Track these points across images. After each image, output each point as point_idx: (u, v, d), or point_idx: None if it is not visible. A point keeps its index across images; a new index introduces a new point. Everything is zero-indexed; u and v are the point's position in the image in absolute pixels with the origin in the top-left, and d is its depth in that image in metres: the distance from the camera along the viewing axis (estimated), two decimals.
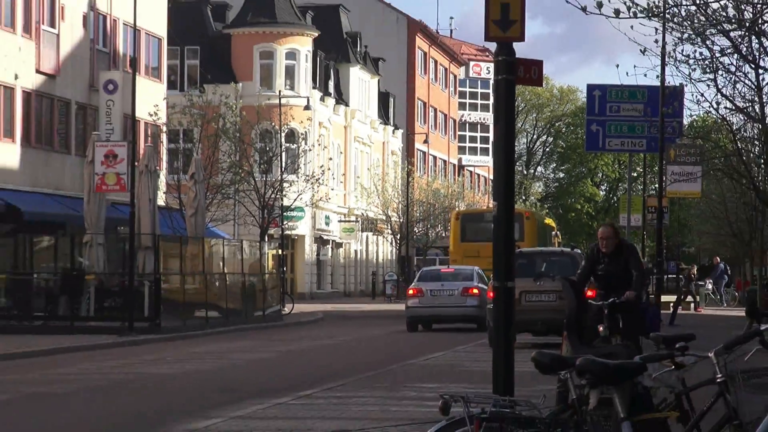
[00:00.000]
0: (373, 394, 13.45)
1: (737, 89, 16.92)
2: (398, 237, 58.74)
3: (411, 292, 32.35)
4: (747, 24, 10.96)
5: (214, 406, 12.88)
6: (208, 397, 14.32)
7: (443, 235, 61.04)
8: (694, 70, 16.94)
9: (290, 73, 51.43)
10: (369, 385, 14.86)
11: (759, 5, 10.31)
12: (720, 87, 16.85)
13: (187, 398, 14.51)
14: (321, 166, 48.46)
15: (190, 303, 30.85)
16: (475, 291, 31.35)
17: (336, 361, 21.55)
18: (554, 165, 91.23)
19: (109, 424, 11.52)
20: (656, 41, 17.68)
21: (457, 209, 53.14)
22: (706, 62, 14.82)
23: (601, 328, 10.83)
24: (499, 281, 6.58)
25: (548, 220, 49.40)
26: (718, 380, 5.34)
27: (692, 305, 37.59)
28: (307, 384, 15.58)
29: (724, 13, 11.11)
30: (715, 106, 18.67)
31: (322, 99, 52.60)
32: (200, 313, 31.16)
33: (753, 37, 11.93)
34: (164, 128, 40.36)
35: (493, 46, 6.94)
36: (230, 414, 12.18)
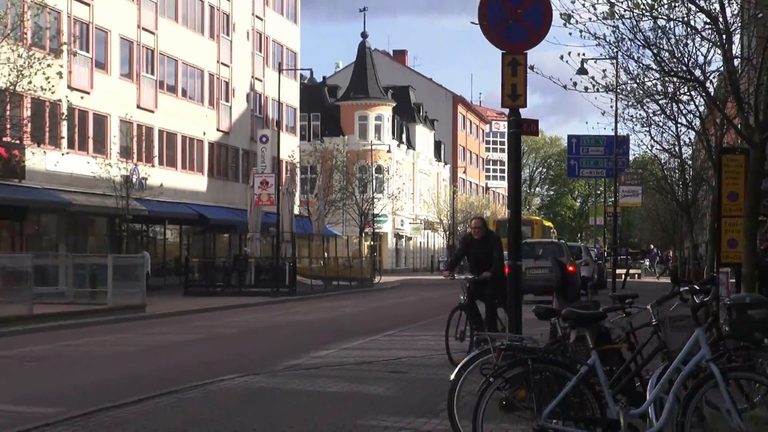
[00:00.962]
0: (431, 333, 12.96)
1: (664, 137, 16.57)
2: (447, 233, 61.55)
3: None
4: (670, 95, 10.70)
5: (330, 341, 13.32)
6: (327, 335, 14.76)
7: None
8: (636, 125, 17.39)
9: (378, 129, 54.25)
10: (429, 328, 14.47)
11: (677, 83, 10.05)
12: (653, 136, 18.05)
13: (315, 335, 15.02)
14: (398, 188, 51.79)
15: (314, 276, 32.47)
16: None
17: (408, 312, 21.15)
18: (547, 186, 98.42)
19: (269, 351, 12.22)
20: (611, 107, 19.43)
21: (488, 216, 54.58)
22: (644, 120, 14.65)
23: (462, 298, 9.54)
24: (512, 260, 6.51)
25: (547, 223, 50.25)
26: (653, 323, 5.08)
27: (636, 276, 39.41)
28: (390, 327, 15.58)
29: (655, 89, 10.76)
30: (649, 148, 19.95)
31: (398, 146, 57.52)
32: (320, 283, 32.37)
33: (674, 103, 11.56)
34: (298, 165, 44.24)
35: (506, 111, 6.94)
36: (340, 346, 12.51)
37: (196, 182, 34.89)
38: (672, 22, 8.87)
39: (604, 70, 11.24)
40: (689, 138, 17.65)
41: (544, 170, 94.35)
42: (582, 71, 12.96)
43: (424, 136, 63.27)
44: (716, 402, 4.49)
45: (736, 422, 4.32)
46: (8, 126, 19.45)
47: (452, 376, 5.14)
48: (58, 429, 5.79)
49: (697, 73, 9.44)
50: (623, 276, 30.25)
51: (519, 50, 6.22)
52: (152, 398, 7.03)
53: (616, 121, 20.77)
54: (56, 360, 11.66)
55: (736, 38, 9.71)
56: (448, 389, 5.10)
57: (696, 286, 4.92)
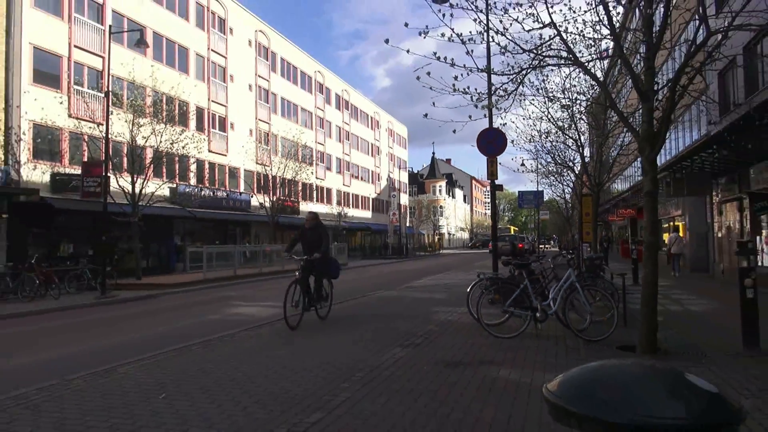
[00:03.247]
0: (460, 272, 24.92)
1: (556, 190, 28.43)
2: (471, 233, 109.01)
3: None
4: (558, 172, 21.18)
5: (418, 277, 19.03)
6: (416, 274, 21.76)
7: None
8: (545, 186, 26.06)
9: (440, 191, 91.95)
10: (456, 269, 27.48)
11: (562, 168, 19.73)
12: (553, 190, 28.99)
13: (412, 275, 18.92)
14: (447, 216, 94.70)
15: (423, 249, 70.74)
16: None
17: (450, 263, 34.08)
18: (509, 212, 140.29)
19: (395, 281, 12.15)
20: (533, 179, 28.23)
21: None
22: (548, 183, 26.12)
23: (297, 274, 10.08)
24: (493, 242, 12.02)
25: (513, 228, 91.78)
26: (551, 267, 9.46)
27: (546, 248, 56.02)
28: (444, 270, 23.24)
29: (553, 169, 20.95)
30: (553, 194, 31.38)
31: (447, 197, 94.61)
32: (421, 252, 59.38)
33: (560, 176, 21.84)
34: (407, 206, 73.69)
35: (488, 181, 16.07)
36: (424, 278, 18.85)
37: (366, 213, 61.27)
38: (559, 143, 16.53)
39: (529, 161, 20.99)
40: (569, 190, 26.80)
41: (508, 204, 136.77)
42: (522, 165, 20.77)
43: (459, 192, 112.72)
44: (579, 299, 8.34)
45: (587, 307, 8.14)
46: (288, 192, 38.84)
47: (468, 290, 9.07)
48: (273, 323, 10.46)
49: (570, 164, 18.14)
50: (541, 249, 47.26)
51: (493, 156, 11.10)
52: (344, 302, 11.37)
53: (538, 184, 34.21)
54: (249, 296, 17.08)
55: (587, 150, 18.56)
56: (466, 295, 9.14)
57: (570, 251, 8.75)
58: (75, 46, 25.05)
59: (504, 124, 18.91)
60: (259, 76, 40.81)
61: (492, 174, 11.41)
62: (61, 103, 23.80)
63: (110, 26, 21.44)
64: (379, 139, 67.26)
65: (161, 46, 30.83)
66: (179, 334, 9.96)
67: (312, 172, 45.00)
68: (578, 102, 13.56)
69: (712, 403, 1.80)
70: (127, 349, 8.70)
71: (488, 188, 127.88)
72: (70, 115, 24.20)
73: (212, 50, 35.33)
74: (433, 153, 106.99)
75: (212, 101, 34.97)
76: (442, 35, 8.22)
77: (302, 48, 52.30)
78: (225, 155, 35.86)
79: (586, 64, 8.63)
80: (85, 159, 24.15)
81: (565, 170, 20.43)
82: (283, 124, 43.50)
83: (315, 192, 49.11)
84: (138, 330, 11.05)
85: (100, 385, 6.10)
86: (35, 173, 22.80)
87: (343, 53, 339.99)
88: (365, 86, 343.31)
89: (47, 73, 23.82)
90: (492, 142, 11.16)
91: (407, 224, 64.56)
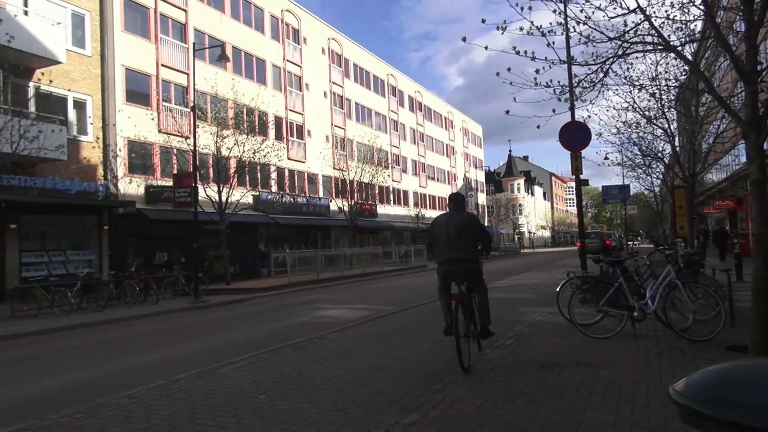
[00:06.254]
0: (545, 272, 22.77)
1: (644, 184, 29.30)
2: (552, 231, 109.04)
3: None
4: (646, 165, 19.88)
5: (503, 277, 17.04)
6: (502, 274, 20.17)
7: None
8: (632, 180, 24.93)
9: (519, 188, 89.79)
10: (543, 270, 25.72)
11: (650, 160, 18.59)
12: (640, 183, 28.55)
13: (501, 273, 18.90)
14: (527, 215, 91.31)
15: (508, 247, 65.43)
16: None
17: (532, 262, 30.84)
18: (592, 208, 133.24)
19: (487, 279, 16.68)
20: (620, 173, 27.02)
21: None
22: (635, 176, 25.79)
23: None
24: (581, 240, 11.81)
25: (603, 225, 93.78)
26: (647, 263, 8.09)
27: (633, 245, 61.55)
28: (528, 270, 23.19)
29: (639, 161, 19.64)
30: (640, 188, 31.17)
31: (526, 195, 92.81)
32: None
33: (648, 168, 20.88)
34: (486, 205, 76.05)
35: (573, 176, 15.26)
36: (507, 278, 18.55)
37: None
38: (647, 133, 15.97)
39: (613, 154, 20.27)
40: (658, 182, 27.67)
41: (591, 200, 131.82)
42: (605, 158, 21.28)
43: (538, 189, 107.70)
44: (680, 297, 7.84)
45: (689, 305, 7.64)
46: (365, 195, 39.42)
47: (557, 289, 8.85)
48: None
49: (659, 155, 17.28)
50: (629, 246, 47.68)
51: (578, 151, 10.54)
52: (429, 303, 11.32)
53: (624, 178, 33.37)
54: (334, 299, 15.34)
55: (677, 139, 16.89)
56: (555, 294, 8.91)
57: (665, 247, 8.25)
58: (162, 65, 26.43)
59: (589, 117, 18.27)
60: (334, 82, 41.59)
61: (576, 169, 11.09)
62: (151, 119, 25.19)
63: (193, 44, 22.61)
64: (453, 139, 66.99)
65: (240, 59, 31.98)
66: (271, 337, 10.30)
67: (388, 175, 45.19)
68: (669, 89, 12.86)
69: None
70: (224, 351, 9.06)
71: (569, 184, 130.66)
72: (159, 131, 25.55)
73: (288, 60, 36.23)
74: (510, 150, 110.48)
75: (289, 110, 35.92)
76: (521, 29, 8.02)
77: (374, 52, 51.36)
78: (303, 162, 36.75)
79: (679, 48, 8.20)
80: (175, 171, 25.37)
81: (653, 162, 19.56)
82: (358, 129, 44.14)
83: (392, 195, 49.70)
84: (231, 333, 11.52)
85: (202, 385, 6.40)
86: (131, 186, 24.21)
87: (414, 55, 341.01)
88: (438, 87, 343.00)
89: (138, 92, 25.28)
90: (576, 136, 10.80)
91: (486, 224, 64.68)
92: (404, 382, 6.04)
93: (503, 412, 4.85)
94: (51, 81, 19.50)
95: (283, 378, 6.54)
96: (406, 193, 53.01)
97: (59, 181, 20.64)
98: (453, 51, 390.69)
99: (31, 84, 19.75)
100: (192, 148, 20.22)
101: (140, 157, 25.29)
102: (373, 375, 6.46)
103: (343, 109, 42.79)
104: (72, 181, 21.23)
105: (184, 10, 28.17)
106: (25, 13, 20.40)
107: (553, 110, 8.47)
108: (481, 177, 78.23)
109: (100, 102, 23.25)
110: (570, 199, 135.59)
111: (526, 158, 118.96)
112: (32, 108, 19.38)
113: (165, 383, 6.56)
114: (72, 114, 22.05)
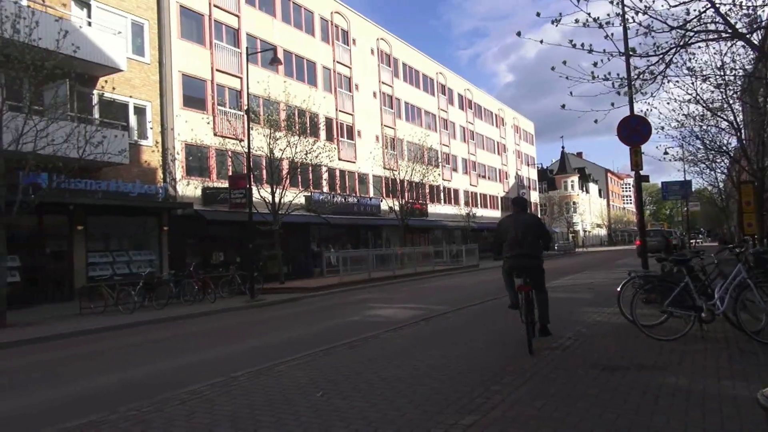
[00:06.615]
0: (602, 270, 23.12)
1: (707, 179, 28.10)
2: (608, 229, 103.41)
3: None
4: (710, 160, 19.32)
5: (560, 276, 21.73)
6: (558, 273, 24.02)
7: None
8: (695, 175, 23.79)
9: (572, 186, 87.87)
10: (603, 267, 25.12)
11: (714, 154, 17.53)
12: (703, 178, 27.68)
13: (555, 274, 20.22)
14: (581, 213, 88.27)
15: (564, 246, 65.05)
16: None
17: (588, 261, 29.44)
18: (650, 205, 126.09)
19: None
20: (681, 168, 25.84)
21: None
22: (697, 171, 24.35)
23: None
24: (642, 238, 11.59)
25: (664, 223, 78.35)
26: (715, 262, 7.59)
27: (695, 243, 52.78)
28: (584, 269, 20.85)
29: (702, 156, 19.14)
30: (703, 183, 30.93)
31: (580, 192, 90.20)
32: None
33: (712, 163, 20.09)
34: (538, 203, 76.37)
35: (632, 172, 12.55)
36: (563, 277, 18.01)
37: (495, 212, 59.89)
38: (710, 126, 15.29)
39: (674, 148, 19.25)
40: (723, 177, 26.68)
41: (649, 197, 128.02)
42: (665, 153, 19.34)
43: (593, 186, 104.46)
44: (752, 298, 7.35)
45: (762, 306, 7.19)
46: (416, 195, 40.05)
47: (618, 289, 8.59)
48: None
49: (724, 149, 16.43)
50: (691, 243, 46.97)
51: (637, 146, 10.17)
52: (484, 302, 10.99)
53: (685, 173, 31.49)
54: (386, 299, 15.61)
55: (744, 132, 16.14)
56: (616, 295, 8.64)
57: (735, 245, 7.83)
58: (217, 70, 27.08)
59: (649, 110, 17.11)
60: (383, 82, 41.76)
61: (636, 165, 10.52)
62: (207, 123, 25.84)
63: (246, 48, 23.22)
64: (504, 136, 66.16)
65: (291, 62, 32.45)
66: (325, 335, 10.39)
67: (439, 174, 45.14)
68: (736, 79, 12.25)
69: None
70: (280, 348, 9.20)
71: (626, 181, 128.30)
72: (215, 134, 26.17)
73: (338, 62, 36.50)
74: (563, 147, 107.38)
75: (340, 111, 36.23)
76: (576, 21, 7.82)
77: (422, 51, 51.44)
78: (354, 162, 37.02)
79: (748, 35, 7.82)
80: (230, 173, 25.99)
81: (718, 156, 18.76)
82: (408, 129, 44.21)
83: (442, 194, 49.49)
84: (287, 331, 11.69)
85: (261, 382, 6.52)
86: (188, 188, 24.94)
87: (463, 53, 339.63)
88: (487, 84, 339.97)
89: (194, 96, 26.01)
90: (636, 131, 10.35)
91: None
92: (461, 383, 5.97)
93: (565, 414, 4.73)
94: (114, 88, 20.24)
95: (340, 376, 6.57)
96: (456, 191, 52.58)
97: (122, 184, 21.35)
98: (502, 47, 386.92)
99: (95, 92, 20.35)
100: (246, 150, 20.57)
101: (197, 159, 25.93)
102: (429, 374, 6.42)
103: (392, 108, 42.88)
104: (134, 183, 21.94)
105: (237, 16, 28.77)
106: (89, 24, 21.28)
107: (612, 104, 8.22)
108: (533, 174, 77.29)
109: (158, 107, 24.01)
110: (627, 196, 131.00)
111: (579, 155, 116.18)
112: (96, 114, 20.04)
113: (225, 380, 6.70)
114: (133, 119, 22.82)
